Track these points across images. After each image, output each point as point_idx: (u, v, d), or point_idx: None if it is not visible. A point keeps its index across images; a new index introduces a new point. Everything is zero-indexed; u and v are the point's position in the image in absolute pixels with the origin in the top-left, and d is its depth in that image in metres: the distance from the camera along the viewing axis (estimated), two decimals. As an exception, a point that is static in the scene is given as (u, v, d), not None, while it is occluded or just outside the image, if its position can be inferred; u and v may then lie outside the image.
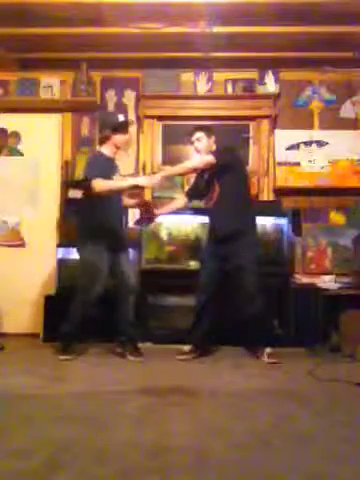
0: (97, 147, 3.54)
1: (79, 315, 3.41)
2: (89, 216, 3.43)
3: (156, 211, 3.67)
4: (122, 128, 3.46)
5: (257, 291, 3.33)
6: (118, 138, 3.44)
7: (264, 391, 2.67)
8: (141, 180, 3.42)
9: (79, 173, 4.58)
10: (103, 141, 3.47)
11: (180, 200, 3.75)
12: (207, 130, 3.57)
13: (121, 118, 3.48)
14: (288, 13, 3.80)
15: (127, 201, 3.70)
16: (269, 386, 2.79)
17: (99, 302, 3.44)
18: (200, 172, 3.63)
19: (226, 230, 3.41)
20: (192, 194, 3.74)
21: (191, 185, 3.86)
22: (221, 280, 3.46)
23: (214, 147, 3.55)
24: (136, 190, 3.71)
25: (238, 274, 3.36)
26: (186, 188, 4.06)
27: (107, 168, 3.38)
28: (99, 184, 3.25)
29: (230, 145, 3.79)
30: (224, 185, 3.44)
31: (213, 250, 3.51)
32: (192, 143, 3.58)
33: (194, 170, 3.53)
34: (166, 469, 1.62)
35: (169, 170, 3.66)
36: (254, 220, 3.53)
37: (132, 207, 3.94)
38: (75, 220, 3.64)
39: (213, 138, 3.55)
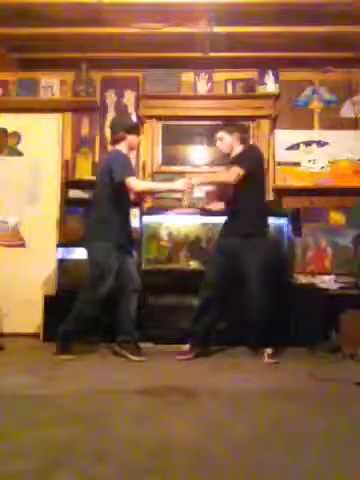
0: (111, 147, 3.58)
1: (84, 314, 3.41)
2: (100, 215, 3.44)
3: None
4: (135, 129, 3.58)
5: (264, 293, 3.34)
6: (132, 139, 3.52)
7: (264, 391, 2.66)
8: (178, 184, 3.44)
9: (80, 173, 4.59)
10: (117, 141, 3.51)
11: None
12: (229, 128, 3.56)
13: (134, 120, 3.57)
14: (288, 13, 3.80)
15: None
16: (269, 386, 2.79)
17: (100, 301, 3.45)
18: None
19: (248, 227, 3.39)
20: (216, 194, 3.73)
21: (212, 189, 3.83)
22: (228, 280, 3.45)
23: (239, 147, 3.54)
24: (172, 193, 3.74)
25: (248, 274, 3.36)
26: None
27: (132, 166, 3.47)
28: (140, 184, 3.38)
29: (254, 149, 3.73)
30: (245, 186, 3.39)
31: (225, 247, 3.49)
32: (215, 143, 3.60)
33: (224, 184, 3.49)
34: (166, 469, 1.62)
35: (204, 179, 3.61)
36: (267, 221, 3.56)
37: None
38: (84, 219, 3.63)
39: (236, 135, 3.53)
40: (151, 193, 3.77)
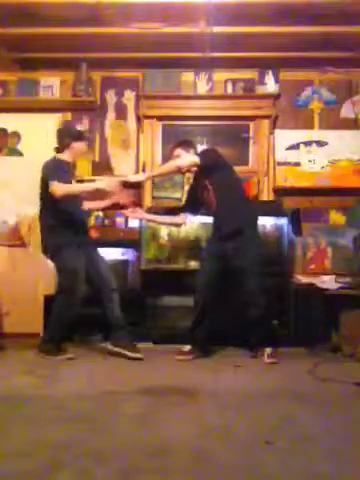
0: (56, 155, 3.62)
1: (66, 318, 3.45)
2: (49, 222, 3.48)
3: (147, 215, 3.85)
4: (81, 137, 3.63)
5: (260, 291, 3.34)
6: (77, 145, 3.57)
7: (264, 391, 2.66)
8: (100, 184, 3.50)
9: (80, 173, 4.58)
10: (61, 149, 3.58)
11: (179, 218, 3.78)
12: (185, 145, 3.63)
13: (78, 128, 3.79)
14: (288, 13, 3.80)
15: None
16: (269, 386, 2.79)
17: (100, 301, 3.45)
18: (191, 184, 3.75)
19: (231, 227, 3.41)
20: (190, 207, 3.75)
21: (186, 201, 3.89)
22: (220, 281, 3.45)
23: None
24: (98, 193, 3.70)
25: (241, 275, 3.36)
26: (183, 204, 4.00)
27: (65, 172, 3.48)
28: (60, 187, 3.34)
29: (210, 147, 3.81)
30: (217, 185, 3.47)
31: (214, 250, 3.51)
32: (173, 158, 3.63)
33: (179, 169, 3.53)
34: (166, 469, 1.62)
35: (154, 170, 3.70)
36: (255, 217, 3.55)
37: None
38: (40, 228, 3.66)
39: (192, 151, 3.60)
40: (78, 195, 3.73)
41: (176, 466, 1.65)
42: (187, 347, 3.50)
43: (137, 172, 4.59)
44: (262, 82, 4.62)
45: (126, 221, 4.43)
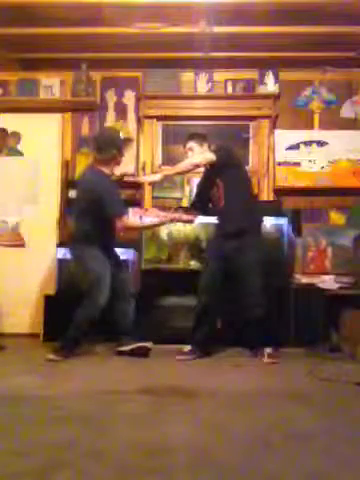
0: (94, 166, 3.44)
1: (87, 323, 3.41)
2: (85, 223, 3.43)
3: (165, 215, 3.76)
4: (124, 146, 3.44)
5: (261, 291, 3.34)
6: (121, 158, 3.44)
7: (264, 391, 2.66)
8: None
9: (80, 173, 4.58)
10: (105, 161, 3.39)
11: (189, 215, 3.75)
12: (199, 139, 3.58)
13: (122, 136, 3.46)
14: (288, 13, 3.80)
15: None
16: (269, 386, 2.79)
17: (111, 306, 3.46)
18: (201, 180, 3.72)
19: (236, 226, 3.41)
20: (200, 204, 3.74)
21: (195, 195, 3.87)
22: (223, 281, 3.45)
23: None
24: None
25: (242, 275, 3.36)
26: (192, 200, 3.98)
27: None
28: (133, 223, 3.45)
29: (225, 144, 3.78)
30: (227, 183, 3.45)
31: (217, 250, 3.50)
32: (186, 152, 3.61)
33: (195, 166, 3.50)
34: (166, 469, 1.62)
35: (170, 169, 3.67)
36: (261, 218, 3.56)
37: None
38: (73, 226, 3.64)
39: (205, 146, 3.56)
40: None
41: (176, 466, 1.65)
42: (187, 347, 3.49)
43: (137, 172, 4.59)
44: (262, 82, 4.63)
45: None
